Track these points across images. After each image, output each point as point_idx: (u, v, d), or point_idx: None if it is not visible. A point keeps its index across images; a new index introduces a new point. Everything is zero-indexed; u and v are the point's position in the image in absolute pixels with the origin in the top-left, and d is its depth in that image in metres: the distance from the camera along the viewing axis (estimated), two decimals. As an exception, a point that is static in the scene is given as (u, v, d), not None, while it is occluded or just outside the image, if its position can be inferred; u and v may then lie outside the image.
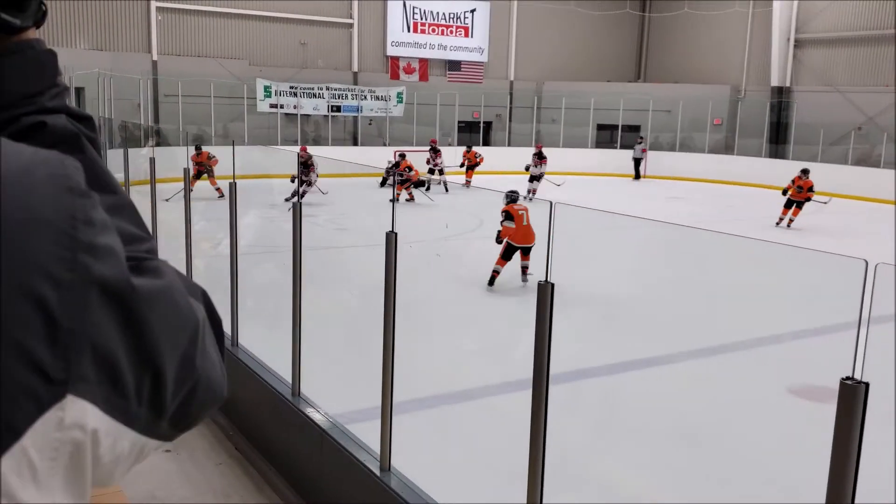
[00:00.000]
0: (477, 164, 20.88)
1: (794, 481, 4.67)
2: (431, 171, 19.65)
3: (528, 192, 17.70)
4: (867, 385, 1.77)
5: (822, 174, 22.03)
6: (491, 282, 9.24)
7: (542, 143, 21.60)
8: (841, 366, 1.85)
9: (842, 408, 1.80)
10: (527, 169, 18.67)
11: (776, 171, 23.32)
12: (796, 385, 6.45)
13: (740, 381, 6.81)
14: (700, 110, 25.79)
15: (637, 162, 25.08)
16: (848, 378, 1.79)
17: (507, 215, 9.14)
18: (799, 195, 15.21)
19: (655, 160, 25.32)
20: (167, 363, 0.62)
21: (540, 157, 18.76)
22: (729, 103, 26.64)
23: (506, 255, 9.18)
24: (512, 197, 9.23)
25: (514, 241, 9.04)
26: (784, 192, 15.56)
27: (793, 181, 15.45)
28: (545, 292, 2.73)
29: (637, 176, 25.09)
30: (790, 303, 9.22)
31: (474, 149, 21.73)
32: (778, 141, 25.71)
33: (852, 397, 1.78)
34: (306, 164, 14.77)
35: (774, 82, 25.89)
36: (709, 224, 13.32)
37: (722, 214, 17.59)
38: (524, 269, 9.24)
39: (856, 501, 1.90)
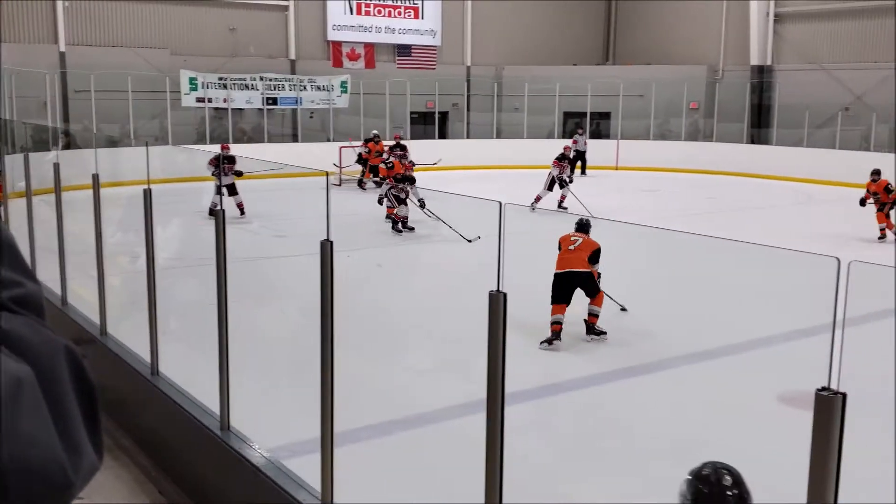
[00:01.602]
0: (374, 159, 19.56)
1: (789, 497, 4.71)
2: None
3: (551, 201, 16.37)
4: (844, 395, 1.77)
5: (809, 160, 22.58)
6: (553, 337, 7.74)
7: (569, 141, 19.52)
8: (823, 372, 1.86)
9: (818, 420, 1.81)
10: (559, 180, 16.89)
11: (759, 158, 23.79)
12: (787, 392, 6.53)
13: (726, 390, 6.87)
14: (675, 94, 26.10)
15: (580, 156, 23.27)
16: (824, 388, 1.79)
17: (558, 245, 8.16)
18: (879, 202, 14.61)
19: (628, 149, 25.53)
20: None
21: (563, 161, 17.23)
22: (706, 85, 26.99)
23: (557, 295, 7.83)
24: (581, 223, 8.36)
25: (557, 266, 7.95)
26: (862, 203, 14.87)
27: (867, 189, 14.84)
28: (496, 302, 2.71)
29: (582, 171, 23.29)
30: (775, 304, 9.36)
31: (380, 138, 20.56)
32: (760, 125, 26.14)
33: (829, 409, 1.79)
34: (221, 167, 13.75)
35: (754, 61, 26.31)
36: (686, 219, 13.46)
37: (700, 207, 17.79)
38: (589, 320, 7.96)
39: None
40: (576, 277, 7.85)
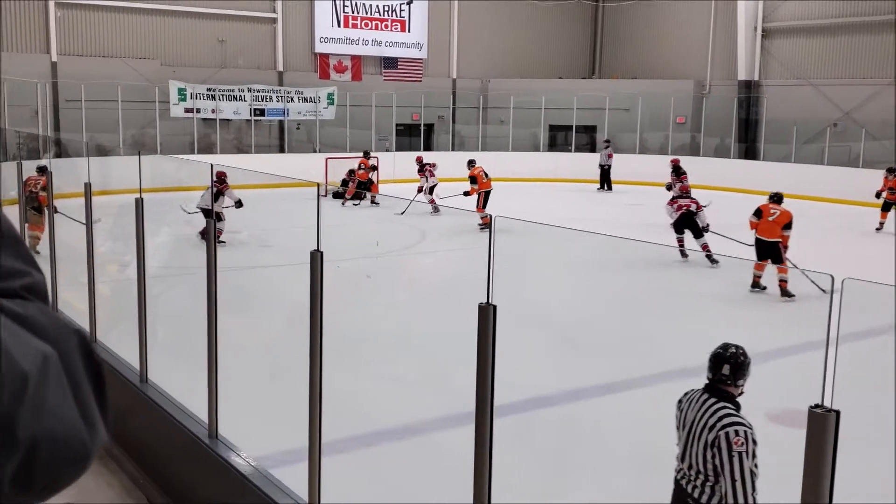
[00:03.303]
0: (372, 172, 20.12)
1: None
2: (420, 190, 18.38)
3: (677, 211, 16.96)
4: (838, 413, 1.77)
5: (797, 176, 22.60)
6: (753, 285, 10.24)
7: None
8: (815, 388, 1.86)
9: (812, 437, 1.81)
10: (669, 188, 16.75)
11: (746, 173, 23.73)
12: (774, 409, 6.53)
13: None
14: (661, 108, 26.09)
15: (604, 170, 23.96)
16: (817, 406, 1.79)
17: (757, 211, 10.53)
18: (893, 196, 16.22)
19: (614, 162, 25.53)
20: None
21: (678, 173, 17.95)
22: (693, 99, 27.00)
23: (759, 255, 10.16)
24: (776, 197, 10.65)
25: (758, 231, 10.20)
26: (878, 195, 16.53)
27: (885, 183, 16.44)
28: (486, 315, 2.71)
29: (605, 185, 23.91)
30: (764, 320, 9.39)
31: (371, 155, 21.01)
32: (747, 140, 26.20)
33: (822, 426, 1.78)
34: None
35: (742, 76, 26.37)
36: (668, 233, 13.42)
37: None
38: (780, 285, 9.81)
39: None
40: (769, 245, 9.95)
